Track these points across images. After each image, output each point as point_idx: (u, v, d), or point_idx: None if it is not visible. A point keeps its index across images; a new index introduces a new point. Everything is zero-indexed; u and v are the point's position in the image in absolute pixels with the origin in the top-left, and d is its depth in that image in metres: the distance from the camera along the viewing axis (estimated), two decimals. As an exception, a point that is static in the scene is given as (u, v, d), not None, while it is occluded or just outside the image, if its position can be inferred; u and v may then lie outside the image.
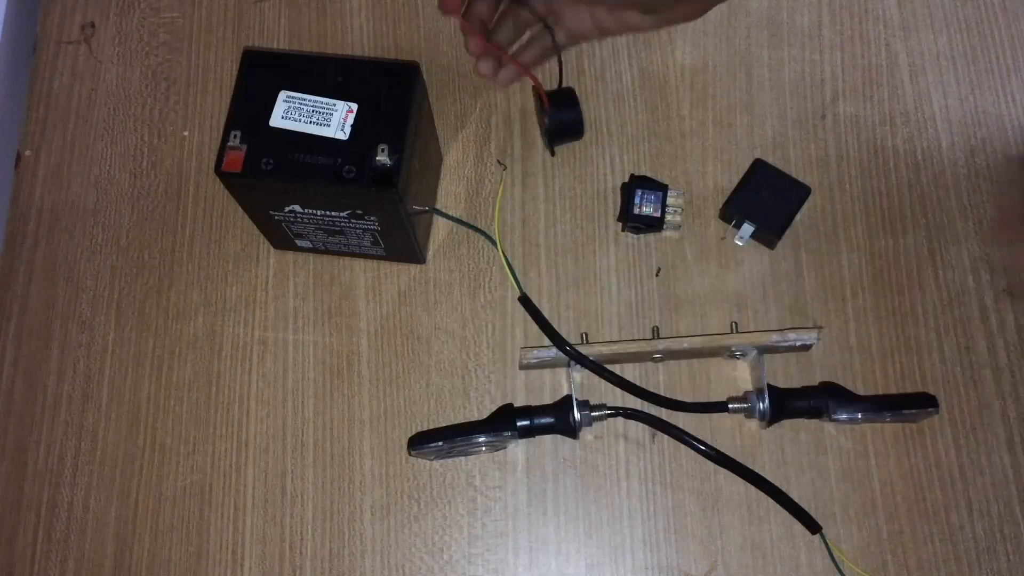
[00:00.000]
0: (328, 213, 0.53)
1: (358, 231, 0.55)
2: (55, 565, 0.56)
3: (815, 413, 0.56)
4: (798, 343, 0.57)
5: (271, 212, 0.54)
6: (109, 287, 0.62)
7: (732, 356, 0.58)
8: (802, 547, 0.55)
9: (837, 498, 0.56)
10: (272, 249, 0.62)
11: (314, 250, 0.60)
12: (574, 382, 0.56)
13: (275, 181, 0.49)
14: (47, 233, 0.63)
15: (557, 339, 0.56)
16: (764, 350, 0.57)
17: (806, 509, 0.55)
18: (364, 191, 0.49)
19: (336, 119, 0.49)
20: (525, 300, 0.58)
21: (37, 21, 0.68)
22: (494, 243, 0.60)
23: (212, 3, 0.68)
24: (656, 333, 0.58)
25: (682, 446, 0.57)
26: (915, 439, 0.58)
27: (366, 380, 0.59)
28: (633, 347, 0.57)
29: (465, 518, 0.57)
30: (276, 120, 0.50)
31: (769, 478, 0.55)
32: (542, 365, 0.58)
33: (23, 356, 0.60)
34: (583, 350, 0.56)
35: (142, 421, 0.59)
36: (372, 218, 0.53)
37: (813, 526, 0.55)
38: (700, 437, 0.56)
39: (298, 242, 0.59)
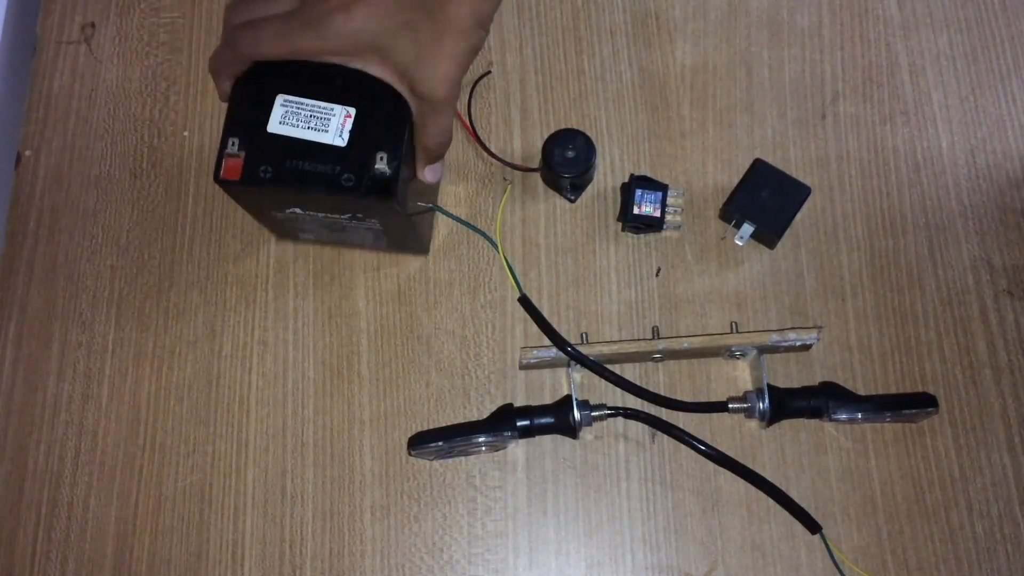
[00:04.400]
0: (329, 215, 0.53)
1: (360, 230, 0.55)
2: (55, 565, 0.56)
3: (815, 413, 0.56)
4: (798, 343, 0.57)
5: (273, 213, 0.54)
6: (109, 287, 0.62)
7: (732, 356, 0.58)
8: (802, 547, 0.55)
9: (837, 498, 0.56)
10: (272, 249, 0.62)
11: (318, 241, 0.60)
12: (574, 382, 0.56)
13: (273, 189, 0.49)
14: (47, 233, 0.63)
15: (557, 339, 0.56)
16: (764, 350, 0.57)
17: (806, 509, 0.55)
18: (363, 200, 0.49)
19: (334, 124, 0.48)
20: (525, 301, 0.58)
21: (37, 21, 0.68)
22: (495, 245, 0.60)
23: (212, 3, 0.68)
24: (656, 333, 0.58)
25: (682, 446, 0.57)
26: (915, 439, 0.58)
27: (366, 380, 0.59)
28: (633, 347, 0.57)
29: (465, 518, 0.57)
30: (274, 125, 0.49)
31: (769, 478, 0.55)
32: (542, 365, 0.58)
33: (23, 356, 0.60)
34: (583, 350, 0.56)
35: (142, 421, 0.59)
36: (373, 220, 0.53)
37: (813, 526, 0.55)
38: (700, 437, 0.56)
39: (301, 235, 0.59)
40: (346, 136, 0.48)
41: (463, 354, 0.60)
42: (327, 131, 0.48)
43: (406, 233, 0.56)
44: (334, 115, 0.48)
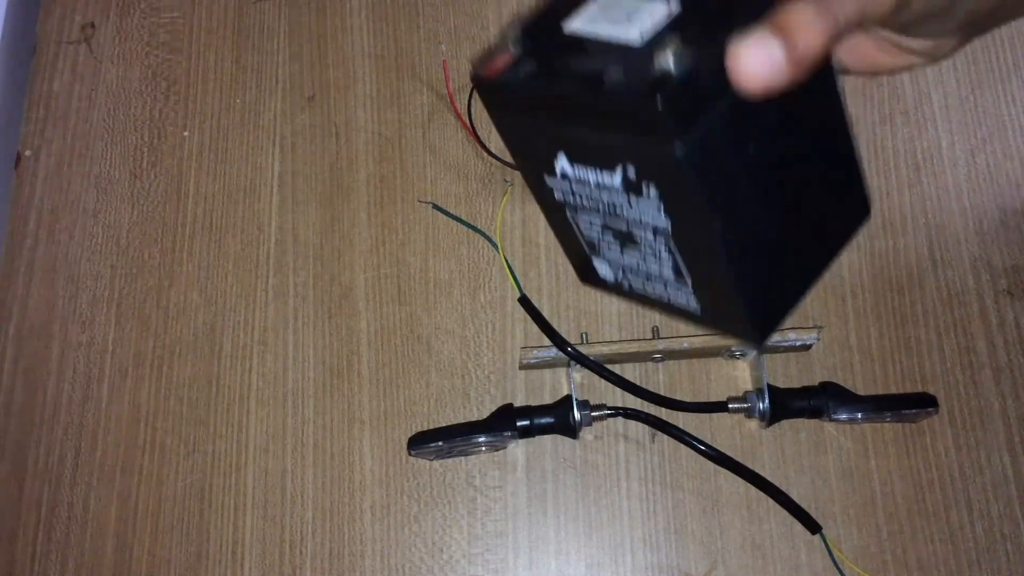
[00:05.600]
0: (599, 175, 0.34)
1: (646, 232, 0.35)
2: (55, 565, 0.56)
3: (815, 413, 0.56)
4: (798, 343, 0.57)
5: (544, 177, 0.37)
6: (109, 287, 0.62)
7: (732, 356, 0.58)
8: (802, 547, 0.55)
9: (837, 498, 0.56)
10: (272, 249, 0.62)
11: (617, 287, 0.41)
12: (574, 382, 0.56)
13: (523, 90, 0.33)
14: (47, 233, 0.63)
15: (557, 339, 0.56)
16: (764, 350, 0.57)
17: (806, 509, 0.55)
18: (618, 108, 0.30)
19: (643, 17, 0.32)
20: (525, 301, 0.58)
21: (37, 21, 0.68)
22: (495, 245, 0.60)
23: (212, 3, 0.68)
24: (656, 333, 0.58)
25: (682, 446, 0.57)
26: (915, 439, 0.58)
27: (366, 380, 0.59)
28: (633, 347, 0.57)
29: (465, 518, 0.57)
30: (575, 23, 0.33)
31: (769, 478, 0.55)
32: (542, 365, 0.58)
33: (23, 356, 0.60)
34: (583, 350, 0.56)
35: (142, 421, 0.59)
36: (651, 189, 0.32)
37: (813, 526, 0.55)
38: (700, 437, 0.56)
39: (596, 263, 0.41)
40: (650, 31, 0.31)
41: (463, 354, 0.60)
42: (629, 24, 0.32)
43: (711, 250, 0.33)
44: (650, 5, 0.32)
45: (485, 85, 0.35)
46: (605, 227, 0.37)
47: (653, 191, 0.32)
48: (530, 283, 0.61)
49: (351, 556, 0.56)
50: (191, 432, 0.58)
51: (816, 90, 0.30)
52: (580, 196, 0.36)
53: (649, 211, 0.34)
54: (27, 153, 0.65)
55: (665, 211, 0.33)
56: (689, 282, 0.36)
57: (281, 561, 0.56)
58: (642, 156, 0.31)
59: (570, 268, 0.62)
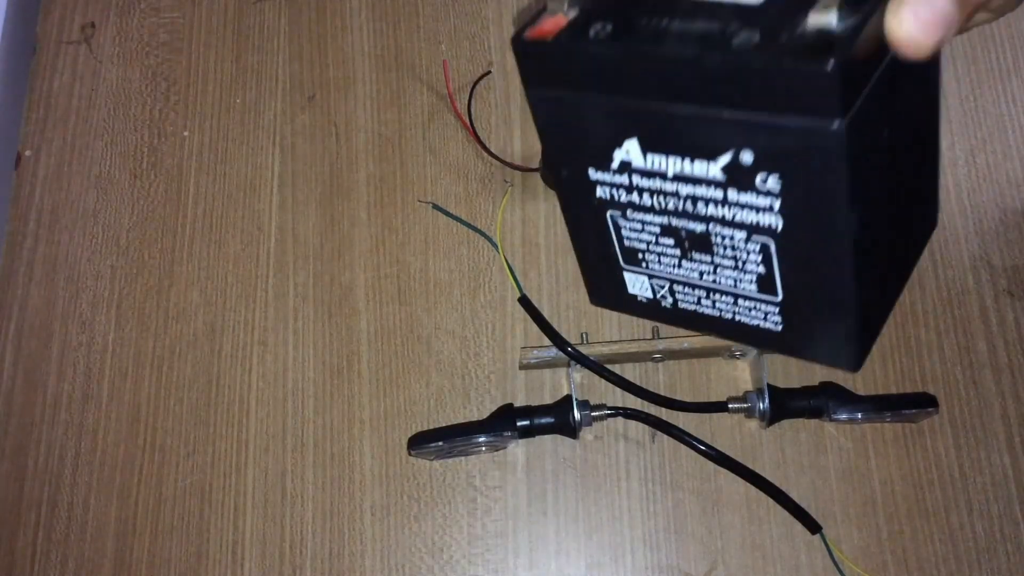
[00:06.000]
0: (687, 164, 0.27)
1: (736, 234, 0.28)
2: (55, 565, 0.56)
3: (815, 413, 0.56)
4: (798, 343, 0.57)
5: (588, 171, 0.31)
6: (109, 287, 0.62)
7: (732, 356, 0.58)
8: (802, 547, 0.55)
9: (837, 498, 0.56)
10: (272, 249, 0.62)
11: (652, 306, 0.34)
12: (574, 382, 0.56)
13: (604, 52, 0.26)
14: (47, 233, 0.63)
15: (557, 339, 0.56)
16: (764, 350, 0.57)
17: (806, 509, 0.55)
18: (756, 76, 0.24)
19: None
20: (525, 301, 0.58)
21: (37, 21, 0.68)
22: (495, 245, 0.60)
23: (212, 3, 0.69)
24: (656, 333, 0.58)
25: (682, 446, 0.57)
26: (915, 439, 0.58)
27: (366, 380, 0.59)
28: (633, 347, 0.57)
29: (465, 518, 0.57)
30: None
31: (769, 478, 0.55)
32: (542, 365, 0.58)
33: (23, 356, 0.60)
34: (583, 350, 0.56)
35: (142, 421, 0.59)
36: (774, 179, 0.26)
37: (813, 526, 0.55)
38: (700, 437, 0.56)
39: (628, 277, 0.34)
40: None
41: (463, 354, 0.60)
42: None
43: (837, 253, 0.27)
44: None
45: (535, 48, 0.28)
46: (666, 230, 0.30)
47: (773, 182, 0.26)
48: (530, 283, 0.61)
49: (351, 556, 0.56)
50: (191, 432, 0.58)
51: (933, 63, 0.25)
52: (640, 192, 0.30)
53: (753, 208, 0.27)
54: (27, 153, 0.65)
55: (781, 207, 0.26)
56: (779, 297, 0.29)
57: (281, 561, 0.56)
58: (779, 138, 0.25)
59: (570, 268, 0.62)
